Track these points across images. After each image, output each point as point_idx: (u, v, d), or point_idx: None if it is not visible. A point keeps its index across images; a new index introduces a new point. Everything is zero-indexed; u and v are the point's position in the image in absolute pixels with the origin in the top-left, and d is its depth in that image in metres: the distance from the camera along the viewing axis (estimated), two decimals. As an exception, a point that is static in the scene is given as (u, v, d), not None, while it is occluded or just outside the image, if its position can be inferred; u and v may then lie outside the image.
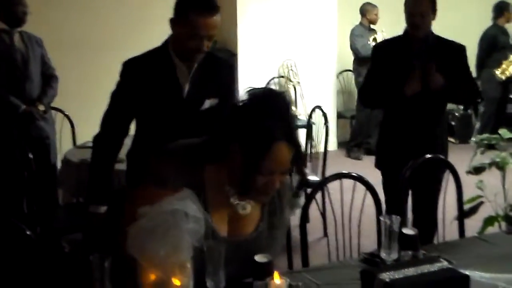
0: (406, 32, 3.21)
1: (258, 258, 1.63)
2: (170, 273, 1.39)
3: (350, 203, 2.51)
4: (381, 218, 1.84)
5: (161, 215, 1.38)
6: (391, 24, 6.76)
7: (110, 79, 2.57)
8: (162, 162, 1.72)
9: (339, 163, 6.25)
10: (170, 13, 2.36)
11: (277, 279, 1.48)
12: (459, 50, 3.16)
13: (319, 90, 6.81)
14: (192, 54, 2.34)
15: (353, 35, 6.58)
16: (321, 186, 2.58)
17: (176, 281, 1.40)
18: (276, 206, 1.82)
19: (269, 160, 1.58)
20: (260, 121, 1.58)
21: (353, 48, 6.56)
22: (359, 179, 2.46)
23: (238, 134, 1.62)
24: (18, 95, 3.81)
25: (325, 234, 4.10)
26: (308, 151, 4.47)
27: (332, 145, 6.98)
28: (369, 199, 2.42)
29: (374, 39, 6.47)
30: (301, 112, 6.60)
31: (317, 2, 6.69)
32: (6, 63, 3.80)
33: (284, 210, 1.84)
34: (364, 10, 6.69)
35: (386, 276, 1.59)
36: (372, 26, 6.69)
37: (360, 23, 6.73)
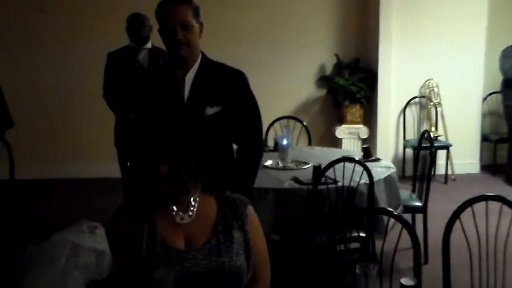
0: None
1: None
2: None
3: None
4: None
5: (49, 248, 1.34)
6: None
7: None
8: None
9: (485, 187, 6.05)
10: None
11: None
12: None
13: (462, 112, 6.66)
14: (174, 48, 2.43)
15: (502, 55, 6.33)
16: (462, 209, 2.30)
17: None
18: (228, 220, 1.81)
19: None
20: None
21: (501, 69, 6.31)
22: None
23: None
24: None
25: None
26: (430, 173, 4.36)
27: (474, 168, 6.82)
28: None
29: (526, 62, 6.18)
30: (441, 133, 6.50)
31: (464, 21, 6.54)
32: (127, 77, 4.34)
33: (243, 225, 1.82)
34: (520, 31, 6.40)
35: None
36: (527, 47, 6.37)
37: (514, 44, 6.44)
